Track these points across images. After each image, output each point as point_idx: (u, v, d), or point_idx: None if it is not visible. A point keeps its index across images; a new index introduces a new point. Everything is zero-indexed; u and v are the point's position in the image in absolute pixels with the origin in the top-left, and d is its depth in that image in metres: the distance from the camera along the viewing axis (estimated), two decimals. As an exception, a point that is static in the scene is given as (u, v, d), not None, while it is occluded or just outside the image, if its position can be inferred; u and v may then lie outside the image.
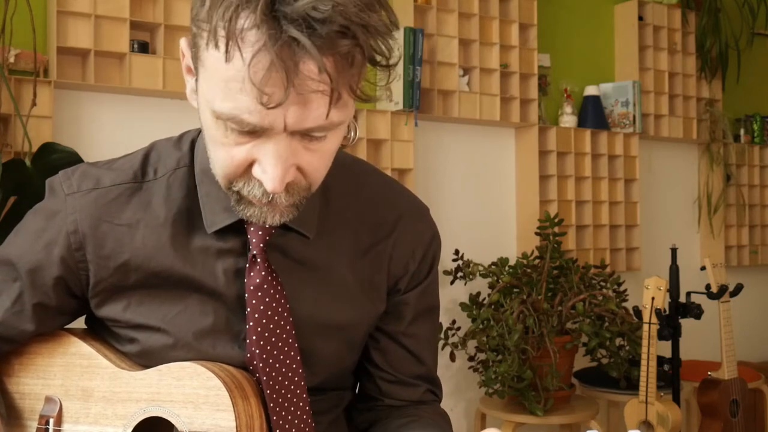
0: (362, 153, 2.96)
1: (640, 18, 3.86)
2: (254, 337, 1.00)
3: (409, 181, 3.08)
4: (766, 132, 4.44)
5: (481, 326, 2.80)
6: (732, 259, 4.22)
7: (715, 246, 4.17)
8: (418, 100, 3.03)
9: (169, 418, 0.99)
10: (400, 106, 3.01)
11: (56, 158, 2.20)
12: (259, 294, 0.99)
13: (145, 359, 1.04)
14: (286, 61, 0.76)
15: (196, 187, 1.02)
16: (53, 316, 1.06)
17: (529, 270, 2.98)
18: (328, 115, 0.81)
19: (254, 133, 0.84)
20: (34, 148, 2.22)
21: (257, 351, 1.00)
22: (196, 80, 0.88)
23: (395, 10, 3.44)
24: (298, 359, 1.02)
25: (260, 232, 0.99)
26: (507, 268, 2.99)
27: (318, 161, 0.88)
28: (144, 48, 2.55)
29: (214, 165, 0.92)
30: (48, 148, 2.23)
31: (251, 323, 1.00)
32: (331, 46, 0.77)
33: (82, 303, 1.07)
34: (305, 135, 0.85)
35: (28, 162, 2.20)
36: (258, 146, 0.85)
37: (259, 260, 1.00)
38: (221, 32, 0.78)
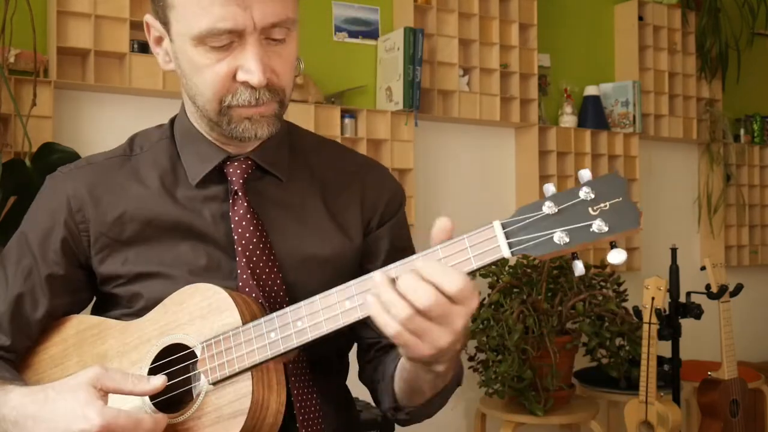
0: (362, 153, 2.95)
1: (640, 18, 3.86)
2: (244, 265, 1.08)
3: (409, 181, 3.08)
4: (766, 132, 4.44)
5: (481, 326, 2.80)
6: (732, 259, 4.22)
7: (715, 246, 4.17)
8: (418, 100, 3.03)
9: (180, 342, 1.01)
10: (400, 106, 3.01)
11: (56, 158, 2.20)
12: (244, 223, 1.09)
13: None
14: None
15: (178, 153, 1.15)
16: (64, 290, 1.13)
17: (529, 270, 2.98)
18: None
19: (230, 45, 1.00)
20: (34, 148, 2.22)
21: (250, 282, 1.07)
22: (169, 35, 1.04)
23: (395, 10, 3.42)
24: (284, 287, 1.09)
25: (238, 172, 1.12)
26: (507, 268, 2.99)
27: (285, 63, 1.05)
28: (144, 48, 2.55)
29: (203, 93, 1.04)
30: (48, 148, 2.23)
31: (241, 250, 1.08)
32: None
33: (88, 278, 1.14)
34: (270, 39, 1.02)
35: (28, 162, 2.20)
36: (236, 56, 1.01)
37: (240, 194, 1.11)
38: None
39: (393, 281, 0.88)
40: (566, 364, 2.88)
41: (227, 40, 0.99)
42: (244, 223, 1.09)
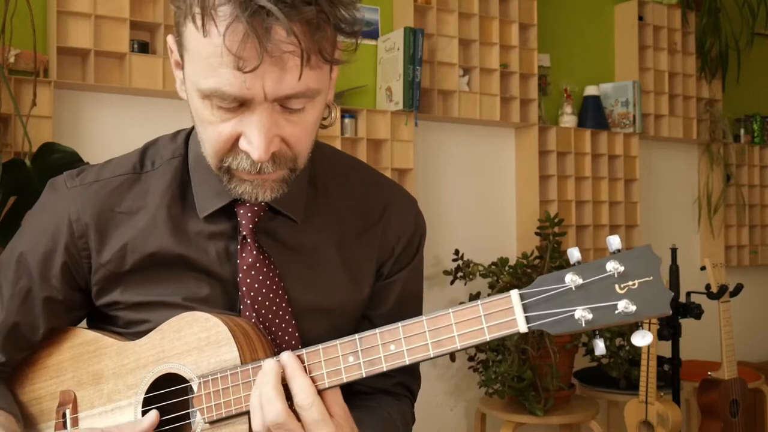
0: (362, 153, 2.96)
1: (640, 18, 3.86)
2: (248, 314, 1.02)
3: (409, 181, 3.08)
4: (766, 132, 4.44)
5: (481, 326, 2.80)
6: (732, 259, 4.22)
7: (715, 246, 4.17)
8: (418, 100, 3.03)
9: (176, 372, 0.99)
10: (400, 106, 3.01)
11: (56, 158, 2.20)
12: (253, 273, 1.03)
13: None
14: (258, 28, 0.83)
15: (190, 176, 1.07)
16: (62, 312, 1.09)
17: (529, 270, 2.98)
18: (300, 76, 0.86)
19: (238, 108, 0.90)
20: (34, 148, 2.22)
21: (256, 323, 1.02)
22: (183, 70, 0.95)
23: (395, 10, 3.43)
24: (296, 336, 1.04)
25: (249, 214, 1.03)
26: (507, 268, 2.99)
27: (300, 132, 0.94)
28: (144, 48, 2.55)
29: (204, 146, 0.96)
30: (48, 148, 2.23)
31: (248, 301, 1.02)
32: (297, 13, 0.84)
33: (86, 298, 1.09)
34: (285, 107, 0.90)
35: (28, 162, 2.20)
36: (242, 120, 0.90)
37: (249, 241, 1.03)
38: (196, 9, 0.86)
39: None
40: (566, 364, 2.88)
41: (235, 103, 0.89)
42: (253, 272, 1.03)
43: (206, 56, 0.87)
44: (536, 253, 3.06)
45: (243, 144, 0.91)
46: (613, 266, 0.81)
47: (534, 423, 2.81)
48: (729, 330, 2.80)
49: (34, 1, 2.29)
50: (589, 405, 2.93)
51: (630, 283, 0.81)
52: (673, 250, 2.73)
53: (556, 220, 3.01)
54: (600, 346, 0.84)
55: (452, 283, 3.02)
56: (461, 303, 0.88)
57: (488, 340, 0.84)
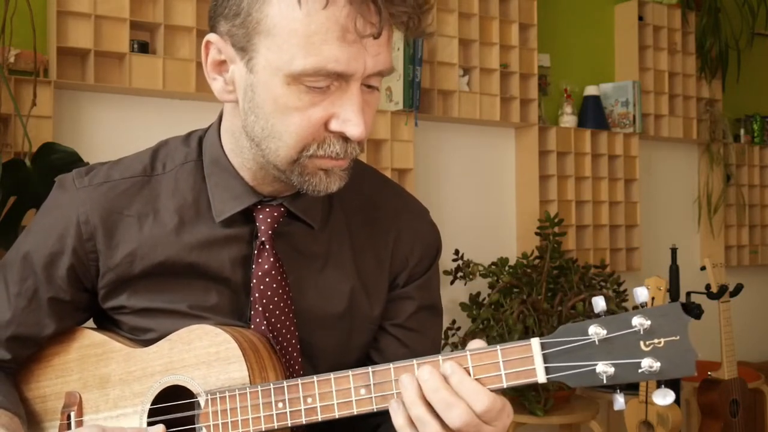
0: (362, 153, 2.95)
1: (640, 18, 3.86)
2: (258, 320, 1.01)
3: (409, 181, 3.08)
4: (766, 132, 4.44)
5: (481, 326, 2.80)
6: (732, 259, 4.22)
7: (715, 246, 4.17)
8: (418, 100, 3.03)
9: (184, 384, 0.99)
10: (400, 106, 3.01)
11: (56, 158, 2.19)
12: (267, 280, 1.01)
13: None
14: None
15: (204, 180, 1.05)
16: (69, 312, 1.08)
17: (529, 270, 2.98)
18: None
19: (328, 89, 0.89)
20: (34, 148, 2.22)
21: (266, 333, 1.02)
22: (247, 63, 0.91)
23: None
24: (298, 348, 1.03)
25: (269, 220, 1.02)
26: (507, 268, 2.99)
27: (371, 115, 0.95)
28: (144, 48, 2.55)
29: (282, 138, 0.92)
30: (48, 148, 2.23)
31: (259, 308, 1.01)
32: None
33: (93, 298, 1.08)
34: (366, 86, 0.91)
35: (28, 162, 2.20)
36: (334, 101, 0.90)
37: (267, 247, 1.02)
38: None
39: (420, 388, 0.83)
40: (566, 364, 2.88)
41: (328, 82, 0.88)
42: (267, 279, 1.01)
43: (308, 35, 0.86)
44: (536, 253, 3.06)
45: (335, 125, 0.91)
46: (639, 321, 0.79)
47: (534, 423, 2.81)
48: (729, 330, 2.80)
49: (34, 1, 2.29)
50: (589, 405, 2.93)
51: (656, 340, 0.79)
52: (673, 250, 2.73)
53: (556, 220, 3.01)
54: (620, 401, 0.82)
55: (452, 283, 3.02)
56: (475, 345, 0.85)
57: (505, 387, 0.82)
